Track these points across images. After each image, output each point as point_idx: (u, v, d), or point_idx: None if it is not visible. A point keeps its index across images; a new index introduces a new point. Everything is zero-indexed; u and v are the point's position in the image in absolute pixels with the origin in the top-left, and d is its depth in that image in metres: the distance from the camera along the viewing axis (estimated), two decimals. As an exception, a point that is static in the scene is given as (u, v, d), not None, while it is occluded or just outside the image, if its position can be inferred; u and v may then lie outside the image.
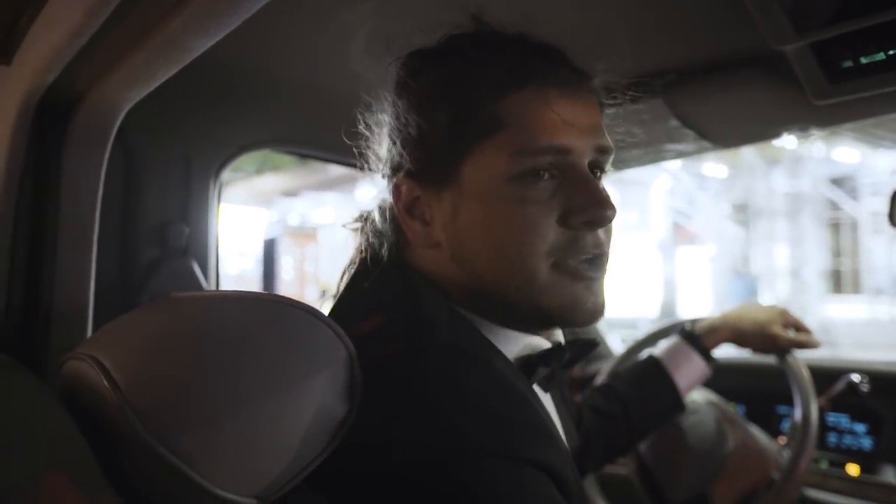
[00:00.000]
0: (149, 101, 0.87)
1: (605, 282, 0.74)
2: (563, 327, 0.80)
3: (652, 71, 1.14)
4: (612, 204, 0.70)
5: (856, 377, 1.31)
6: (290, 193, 11.78)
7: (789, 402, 1.27)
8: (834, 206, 11.46)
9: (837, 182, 11.34)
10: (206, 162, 1.36)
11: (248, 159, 1.53)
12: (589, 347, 0.81)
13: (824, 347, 1.33)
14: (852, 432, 1.49)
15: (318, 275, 11.13)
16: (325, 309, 0.72)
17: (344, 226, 0.83)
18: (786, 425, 1.51)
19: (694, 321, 1.29)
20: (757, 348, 1.26)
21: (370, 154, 0.80)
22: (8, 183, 0.87)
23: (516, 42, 0.73)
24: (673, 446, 1.26)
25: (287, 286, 10.65)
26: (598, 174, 0.75)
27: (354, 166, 0.82)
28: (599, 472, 1.33)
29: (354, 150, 0.80)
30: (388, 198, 0.77)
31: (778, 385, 1.31)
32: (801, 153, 10.53)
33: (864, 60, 0.87)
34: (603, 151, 0.73)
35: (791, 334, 1.24)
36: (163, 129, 1.29)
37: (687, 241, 12.45)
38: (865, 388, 1.30)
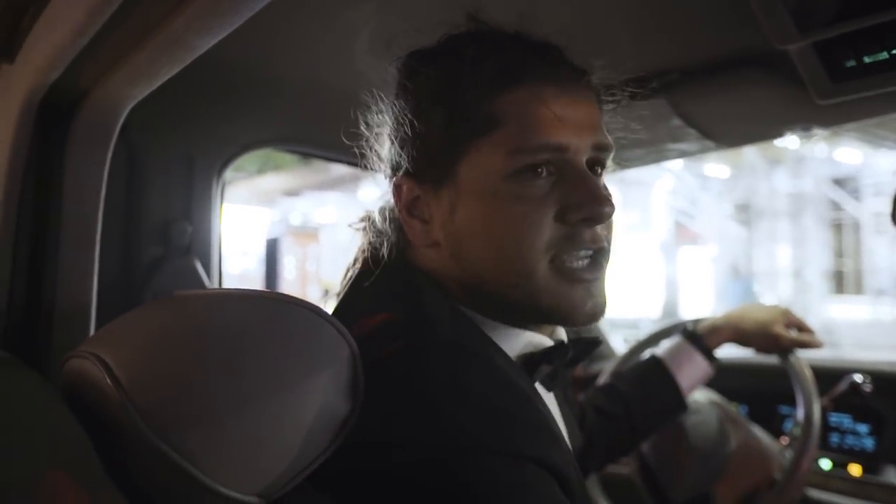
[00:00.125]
0: (152, 99, 0.87)
1: (605, 282, 0.73)
2: (562, 326, 0.80)
3: (654, 70, 1.13)
4: (610, 200, 0.70)
5: (858, 377, 1.31)
6: (292, 193, 11.78)
7: (792, 403, 1.27)
8: (836, 206, 11.41)
9: (840, 182, 11.29)
10: (209, 160, 1.36)
11: (249, 159, 1.53)
12: (592, 346, 0.80)
13: (826, 348, 1.33)
14: (855, 433, 1.49)
15: (319, 274, 11.14)
16: (329, 308, 0.72)
17: (349, 226, 0.83)
18: (788, 425, 1.51)
19: (696, 321, 1.29)
20: (759, 348, 1.26)
21: (372, 154, 0.80)
22: (11, 181, 0.87)
23: (513, 40, 0.73)
24: (675, 446, 1.25)
25: (289, 285, 10.66)
26: (598, 171, 0.74)
27: (357, 165, 0.82)
28: (602, 471, 1.33)
29: (356, 149, 0.80)
30: (391, 198, 0.77)
31: (780, 385, 1.31)
32: (803, 153, 10.49)
33: (867, 60, 0.87)
34: (601, 149, 0.73)
35: (794, 334, 1.24)
36: (166, 127, 1.29)
37: (689, 242, 12.41)
38: (868, 388, 1.30)
